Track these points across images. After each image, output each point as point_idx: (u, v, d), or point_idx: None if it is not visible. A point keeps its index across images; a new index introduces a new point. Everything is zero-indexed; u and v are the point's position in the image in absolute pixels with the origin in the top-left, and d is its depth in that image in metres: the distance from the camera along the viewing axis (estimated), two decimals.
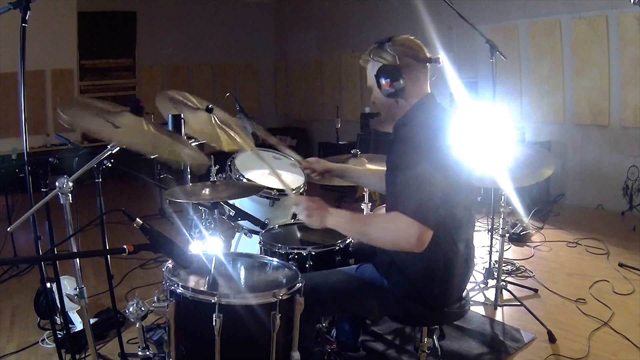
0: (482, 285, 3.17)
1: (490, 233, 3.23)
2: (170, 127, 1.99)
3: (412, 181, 1.50)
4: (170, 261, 1.58)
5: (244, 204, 2.53)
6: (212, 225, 2.25)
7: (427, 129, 1.61)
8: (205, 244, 2.18)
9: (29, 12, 1.81)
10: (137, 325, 1.64)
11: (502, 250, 2.92)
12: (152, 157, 2.22)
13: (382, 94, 1.67)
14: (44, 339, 2.58)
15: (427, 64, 1.69)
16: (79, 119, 1.59)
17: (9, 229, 1.68)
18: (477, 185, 1.90)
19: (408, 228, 1.43)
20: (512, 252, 3.88)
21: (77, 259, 1.75)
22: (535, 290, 3.12)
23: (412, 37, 1.71)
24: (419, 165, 1.51)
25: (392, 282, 1.69)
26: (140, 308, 1.60)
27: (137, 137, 1.62)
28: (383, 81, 1.64)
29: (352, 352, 2.28)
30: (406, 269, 1.66)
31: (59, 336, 2.27)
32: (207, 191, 1.98)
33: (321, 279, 1.78)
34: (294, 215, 2.74)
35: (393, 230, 1.48)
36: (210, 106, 2.08)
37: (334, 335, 2.27)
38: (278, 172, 1.99)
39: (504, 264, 3.37)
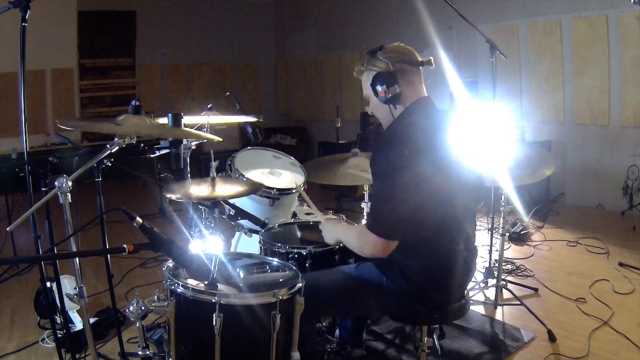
0: (482, 285, 3.17)
1: (490, 232, 3.23)
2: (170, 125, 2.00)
3: (379, 193, 1.60)
4: (170, 260, 1.58)
5: (244, 203, 2.53)
6: (212, 224, 2.25)
7: (417, 130, 1.63)
8: (205, 243, 2.18)
9: (29, 11, 1.81)
10: (137, 325, 1.64)
11: (502, 250, 2.92)
12: (152, 155, 2.23)
13: (379, 100, 1.69)
14: (44, 339, 2.58)
15: (420, 67, 1.72)
16: (81, 125, 1.61)
17: (8, 229, 1.67)
18: (478, 186, 1.89)
19: (369, 240, 1.58)
20: (512, 252, 3.88)
21: (77, 259, 1.75)
22: (535, 290, 3.12)
23: (402, 44, 1.75)
24: (389, 176, 1.56)
25: (392, 280, 1.69)
26: (140, 307, 1.60)
27: (141, 127, 1.65)
28: (379, 88, 1.66)
29: (357, 347, 2.28)
30: (406, 267, 1.66)
31: (59, 335, 2.27)
32: (206, 187, 1.98)
33: (320, 278, 1.78)
34: (294, 215, 2.75)
35: (359, 242, 1.66)
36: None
37: (337, 334, 2.26)
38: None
39: (504, 263, 3.37)
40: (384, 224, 1.57)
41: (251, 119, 2.52)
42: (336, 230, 1.85)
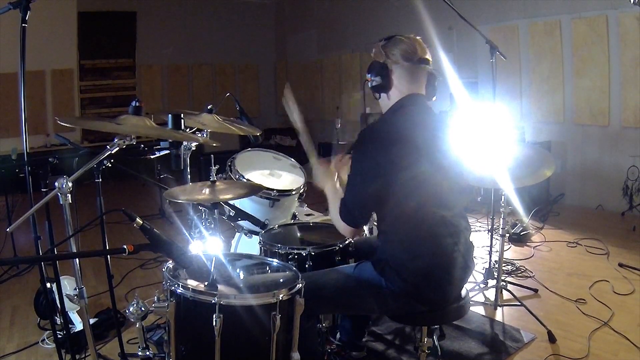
0: (482, 285, 3.17)
1: (490, 233, 3.23)
2: (170, 126, 2.00)
3: (349, 180, 1.68)
4: (170, 261, 1.58)
5: (244, 204, 2.53)
6: (212, 225, 2.25)
7: (398, 127, 1.67)
8: (205, 244, 2.18)
9: (29, 12, 1.81)
10: (137, 325, 1.64)
11: (502, 250, 2.92)
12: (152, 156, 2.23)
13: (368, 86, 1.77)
14: (44, 339, 2.58)
15: (421, 64, 1.72)
16: (81, 122, 1.62)
17: (8, 229, 1.68)
18: (472, 185, 1.92)
19: (340, 225, 1.74)
20: (512, 252, 3.88)
21: (77, 259, 1.75)
22: (535, 290, 3.12)
23: (417, 38, 1.75)
24: (354, 168, 1.66)
25: (390, 280, 1.69)
26: (140, 308, 1.60)
27: (141, 128, 1.65)
28: (367, 75, 1.75)
29: (357, 351, 2.28)
30: (403, 267, 1.67)
31: (59, 336, 2.27)
32: (207, 191, 1.98)
33: (320, 278, 1.79)
34: (294, 216, 2.75)
35: (336, 222, 1.76)
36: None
37: (338, 336, 2.26)
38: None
39: (504, 264, 3.37)
40: (349, 212, 1.69)
41: (251, 130, 2.52)
42: (326, 185, 1.88)
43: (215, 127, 2.43)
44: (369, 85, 1.76)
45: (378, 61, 1.72)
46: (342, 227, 1.73)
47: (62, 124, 1.65)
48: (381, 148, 1.61)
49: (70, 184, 1.60)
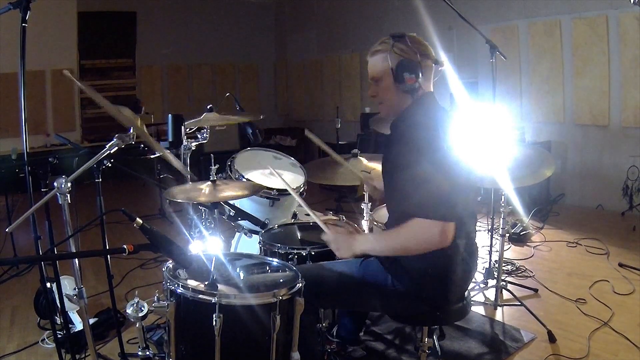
0: (482, 285, 3.17)
1: (490, 233, 3.23)
2: (169, 127, 2.00)
3: (416, 181, 1.52)
4: (170, 261, 1.58)
5: (244, 203, 2.54)
6: (212, 225, 2.25)
7: (425, 128, 1.63)
8: (205, 244, 2.18)
9: (29, 12, 1.81)
10: (137, 325, 1.64)
11: (502, 250, 2.92)
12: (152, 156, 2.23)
13: (399, 88, 1.66)
14: (44, 339, 2.58)
15: (434, 64, 1.72)
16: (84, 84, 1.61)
17: (8, 229, 1.68)
18: (478, 184, 1.92)
19: (429, 229, 1.47)
20: (512, 252, 3.88)
21: (77, 259, 1.75)
22: (535, 290, 3.12)
23: (421, 38, 1.74)
24: (419, 164, 1.53)
25: (396, 278, 1.68)
26: (140, 308, 1.60)
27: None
28: (407, 76, 1.63)
29: (354, 345, 2.28)
30: (409, 266, 1.66)
31: (59, 336, 2.27)
32: (207, 191, 1.98)
33: (324, 270, 1.78)
34: (294, 215, 2.75)
35: (416, 236, 1.52)
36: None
37: (335, 330, 2.26)
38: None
39: (504, 264, 3.37)
40: (433, 204, 1.47)
41: (252, 117, 2.53)
42: (358, 244, 1.66)
43: (219, 122, 2.43)
44: (405, 87, 1.64)
45: (412, 60, 1.64)
46: (425, 230, 1.47)
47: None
48: (419, 154, 1.55)
49: (69, 184, 1.60)
